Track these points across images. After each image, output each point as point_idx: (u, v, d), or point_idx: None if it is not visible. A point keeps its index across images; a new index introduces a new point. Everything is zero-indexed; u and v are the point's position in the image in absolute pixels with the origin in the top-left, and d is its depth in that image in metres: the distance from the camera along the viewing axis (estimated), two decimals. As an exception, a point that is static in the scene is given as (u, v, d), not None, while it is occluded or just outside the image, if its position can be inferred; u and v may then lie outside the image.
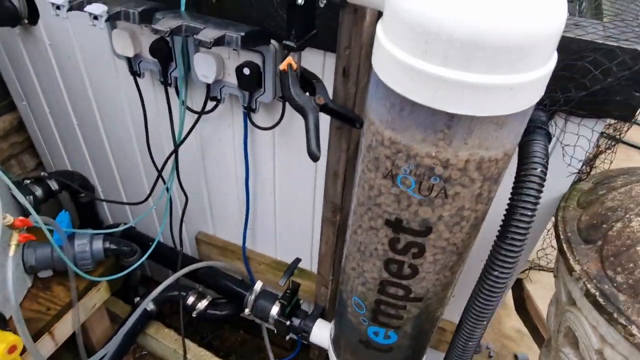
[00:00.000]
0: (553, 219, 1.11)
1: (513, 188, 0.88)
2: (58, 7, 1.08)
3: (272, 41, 1.16)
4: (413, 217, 0.82)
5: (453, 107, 0.68)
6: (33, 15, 1.57)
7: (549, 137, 0.93)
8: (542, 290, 2.31)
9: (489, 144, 0.71)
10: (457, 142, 0.71)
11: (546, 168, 0.87)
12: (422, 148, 0.72)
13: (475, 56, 0.63)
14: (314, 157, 0.97)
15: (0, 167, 1.47)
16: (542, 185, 0.85)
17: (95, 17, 1.05)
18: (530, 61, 0.66)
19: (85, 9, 1.05)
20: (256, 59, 1.19)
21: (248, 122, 1.38)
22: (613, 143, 1.07)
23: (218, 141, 1.53)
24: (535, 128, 0.92)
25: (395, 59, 0.70)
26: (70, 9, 1.09)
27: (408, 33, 0.67)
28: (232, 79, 1.25)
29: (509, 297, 1.77)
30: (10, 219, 1.07)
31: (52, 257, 1.53)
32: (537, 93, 0.72)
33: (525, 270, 1.46)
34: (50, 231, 1.34)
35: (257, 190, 1.63)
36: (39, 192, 1.77)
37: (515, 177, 0.88)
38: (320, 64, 1.17)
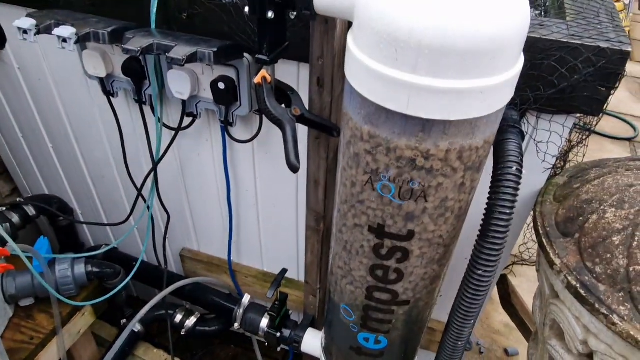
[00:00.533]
0: (532, 213, 1.13)
1: (491, 187, 0.89)
2: (25, 32, 1.06)
3: (245, 55, 1.17)
4: (395, 220, 0.83)
5: (427, 113, 0.69)
6: (0, 40, 1.54)
7: (522, 135, 0.95)
8: (527, 283, 2.35)
9: (468, 134, 0.72)
10: (436, 134, 0.71)
11: (521, 166, 0.89)
12: (402, 141, 0.72)
13: (445, 62, 0.65)
14: (294, 169, 0.98)
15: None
16: (519, 184, 0.87)
17: (64, 40, 1.03)
18: (498, 64, 0.67)
19: (53, 33, 1.04)
20: (230, 73, 1.19)
21: (226, 136, 1.37)
22: (584, 137, 1.10)
23: (197, 156, 1.52)
24: (509, 127, 0.94)
25: (367, 68, 0.71)
26: (37, 33, 1.07)
27: (378, 42, 0.68)
28: (207, 94, 1.25)
29: (495, 292, 1.80)
30: (-14, 250, 1.04)
31: (33, 284, 1.49)
32: (508, 94, 0.74)
33: (509, 265, 1.48)
34: (30, 258, 1.31)
35: (240, 202, 1.62)
36: (15, 218, 1.73)
37: (492, 177, 0.90)
38: (294, 74, 1.18)
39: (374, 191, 0.83)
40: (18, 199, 1.80)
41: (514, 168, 0.88)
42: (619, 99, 4.73)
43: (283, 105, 1.03)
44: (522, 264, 1.64)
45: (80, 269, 1.55)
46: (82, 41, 1.06)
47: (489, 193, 0.89)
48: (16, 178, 2.14)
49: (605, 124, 4.31)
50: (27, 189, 2.13)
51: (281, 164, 0.97)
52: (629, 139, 4.18)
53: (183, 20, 1.16)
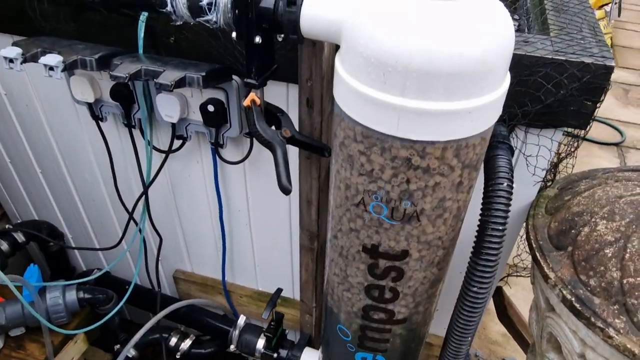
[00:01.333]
0: (525, 226, 1.13)
1: (482, 204, 0.90)
2: (11, 61, 1.06)
3: (234, 77, 1.17)
4: (388, 241, 0.82)
5: (417, 134, 0.70)
6: (-14, 67, 1.53)
7: (511, 150, 0.96)
8: (522, 292, 2.35)
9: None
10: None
11: (512, 181, 0.89)
12: (397, 140, 0.70)
13: (432, 85, 0.65)
14: (286, 191, 0.98)
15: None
16: (510, 199, 0.88)
17: (51, 68, 1.03)
18: (485, 85, 0.68)
19: (39, 61, 1.03)
20: (220, 95, 1.19)
21: (217, 157, 1.37)
22: (573, 149, 1.11)
23: (188, 178, 1.52)
24: (498, 143, 0.95)
25: (356, 92, 0.71)
26: (24, 62, 1.07)
27: (366, 66, 0.69)
28: (197, 116, 1.25)
29: (492, 302, 1.79)
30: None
31: (24, 314, 1.47)
32: (495, 113, 0.74)
33: (504, 277, 1.48)
34: (20, 287, 1.29)
35: (233, 223, 1.61)
36: (4, 246, 1.71)
37: (484, 193, 0.90)
38: (283, 95, 1.18)
39: (367, 212, 0.83)
40: (7, 226, 1.78)
41: (505, 184, 0.89)
42: (605, 105, 4.79)
43: (273, 127, 1.03)
44: (517, 276, 1.65)
45: (72, 295, 1.53)
46: (69, 69, 1.06)
47: (481, 209, 0.89)
48: (5, 204, 2.11)
49: (593, 130, 4.36)
50: (17, 215, 2.11)
51: (273, 183, 0.97)
52: (616, 144, 4.23)
53: (171, 45, 1.16)
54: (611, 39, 5.24)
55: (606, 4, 4.66)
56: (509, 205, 0.87)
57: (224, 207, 1.53)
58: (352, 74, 0.72)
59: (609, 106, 4.80)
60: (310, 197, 1.21)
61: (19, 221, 2.11)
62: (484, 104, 0.69)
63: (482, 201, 0.90)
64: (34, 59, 1.07)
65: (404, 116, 0.69)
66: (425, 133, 0.69)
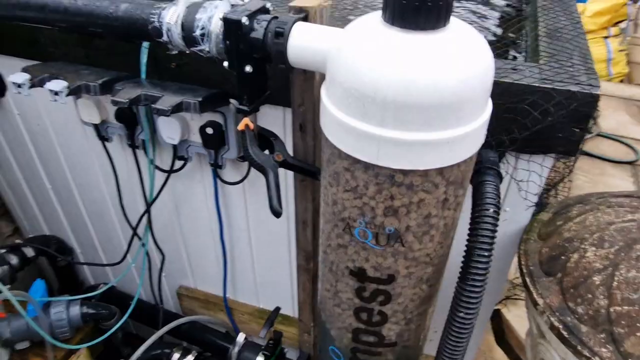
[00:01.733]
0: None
1: (469, 229, 0.90)
2: (19, 86, 1.11)
3: (232, 100, 1.20)
4: (375, 265, 0.84)
5: (396, 163, 0.71)
6: (1, 89, 1.60)
7: (499, 176, 0.96)
8: (524, 313, 2.31)
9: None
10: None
11: (498, 207, 0.90)
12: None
13: (410, 116, 0.67)
14: (277, 214, 1.00)
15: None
16: (496, 225, 0.88)
17: (56, 93, 1.08)
18: (462, 116, 0.69)
19: (45, 86, 1.08)
20: (218, 118, 1.22)
21: (217, 178, 1.40)
22: (567, 173, 1.11)
23: (190, 197, 1.55)
24: (486, 169, 0.96)
25: (338, 121, 0.73)
26: (32, 86, 1.12)
27: (347, 97, 0.71)
28: (197, 138, 1.28)
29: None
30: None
31: (28, 328, 1.50)
32: (476, 142, 0.76)
33: (503, 300, 1.47)
34: (25, 302, 1.33)
35: (234, 241, 1.63)
36: (14, 260, 1.76)
37: (471, 219, 0.91)
38: (280, 118, 1.21)
39: (352, 236, 0.85)
40: (17, 241, 1.83)
41: (491, 210, 0.89)
42: (619, 122, 4.73)
43: (267, 151, 1.06)
44: (517, 299, 1.63)
45: (76, 310, 1.56)
46: (73, 94, 1.10)
47: (468, 235, 0.90)
48: (17, 218, 2.17)
49: (607, 148, 4.30)
50: (28, 229, 2.17)
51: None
52: (630, 162, 4.16)
53: (173, 70, 1.20)
54: (627, 56, 5.18)
55: (622, 21, 4.63)
56: (495, 231, 0.88)
57: (225, 226, 1.56)
58: (336, 103, 0.74)
59: (623, 124, 4.73)
60: (305, 219, 1.22)
61: (30, 235, 2.17)
62: (463, 134, 0.71)
63: (469, 226, 0.90)
64: (41, 84, 1.12)
65: (384, 146, 0.70)
66: (404, 162, 0.71)
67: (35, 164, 1.79)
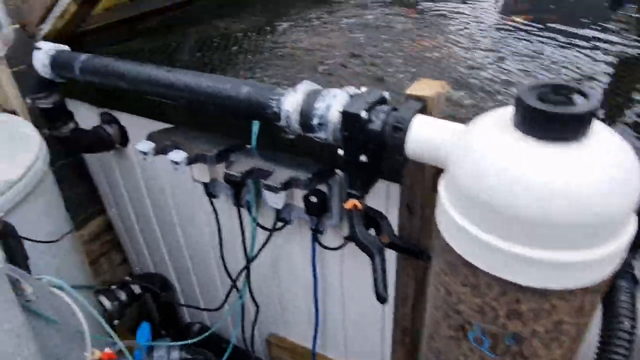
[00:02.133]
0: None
1: (599, 343, 0.81)
2: (145, 153, 1.21)
3: (337, 171, 1.21)
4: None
5: (526, 280, 0.66)
6: (124, 140, 1.76)
7: (635, 281, 0.86)
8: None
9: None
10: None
11: (635, 320, 0.80)
12: None
13: (542, 234, 0.62)
14: (382, 300, 0.97)
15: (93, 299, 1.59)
16: (632, 342, 0.78)
17: (176, 163, 1.16)
18: (607, 235, 0.63)
19: (167, 157, 1.17)
20: (322, 187, 1.24)
21: (316, 242, 1.41)
22: None
23: (288, 255, 1.58)
24: (619, 272, 0.86)
25: (459, 226, 0.70)
26: (155, 154, 1.21)
27: (472, 205, 0.67)
28: (300, 203, 1.30)
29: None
30: (97, 353, 1.15)
31: (133, 370, 1.60)
32: (614, 264, 0.68)
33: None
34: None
35: (327, 300, 1.63)
36: (123, 296, 1.90)
37: (601, 331, 0.82)
38: (384, 193, 1.19)
39: (466, 341, 0.80)
40: (126, 278, 1.98)
41: (626, 323, 0.79)
42: None
43: (372, 231, 1.04)
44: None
45: (175, 355, 1.64)
46: (191, 163, 1.18)
47: (597, 350, 0.81)
48: (128, 252, 2.36)
49: None
50: (136, 262, 2.34)
51: (368, 271, 0.96)
52: None
53: (284, 140, 1.24)
54: None
55: None
56: (631, 349, 0.78)
57: (320, 286, 1.56)
58: (455, 206, 0.71)
59: None
60: (406, 294, 1.19)
61: (137, 267, 2.35)
62: (600, 256, 0.64)
63: (598, 340, 0.81)
64: (164, 152, 1.21)
65: (511, 261, 0.66)
66: (536, 280, 0.66)
67: (147, 206, 1.94)
